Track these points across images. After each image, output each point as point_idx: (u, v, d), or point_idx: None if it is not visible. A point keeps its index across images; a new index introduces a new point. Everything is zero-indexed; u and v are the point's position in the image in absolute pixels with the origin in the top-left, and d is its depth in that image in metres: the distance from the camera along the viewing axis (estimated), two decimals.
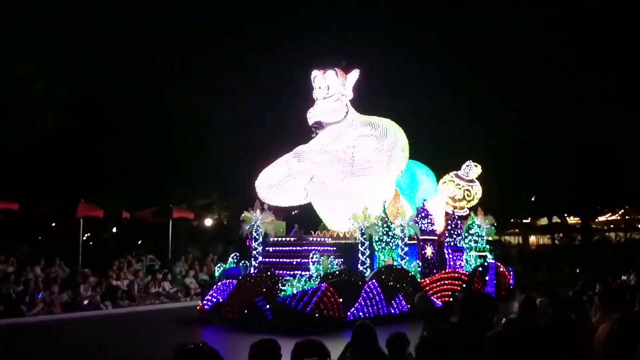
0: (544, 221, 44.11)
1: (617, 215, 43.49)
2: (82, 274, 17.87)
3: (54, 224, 26.90)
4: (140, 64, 25.54)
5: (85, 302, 16.61)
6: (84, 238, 23.83)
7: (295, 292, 12.85)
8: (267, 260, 15.19)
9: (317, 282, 13.06)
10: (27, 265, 17.69)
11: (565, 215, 42.82)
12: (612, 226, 45.64)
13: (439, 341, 5.34)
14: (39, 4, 22.85)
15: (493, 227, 18.89)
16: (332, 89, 16.41)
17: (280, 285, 13.23)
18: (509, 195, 35.04)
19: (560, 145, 34.60)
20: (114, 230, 27.96)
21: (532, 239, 47.80)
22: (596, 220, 43.57)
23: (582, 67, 33.87)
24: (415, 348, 5.20)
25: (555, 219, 43.13)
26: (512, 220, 42.64)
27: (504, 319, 5.93)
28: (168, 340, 11.64)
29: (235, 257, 15.97)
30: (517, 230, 46.16)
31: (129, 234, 27.80)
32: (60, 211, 21.49)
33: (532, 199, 39.63)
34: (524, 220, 44.21)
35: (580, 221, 42.05)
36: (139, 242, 25.64)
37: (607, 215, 43.74)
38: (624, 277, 14.61)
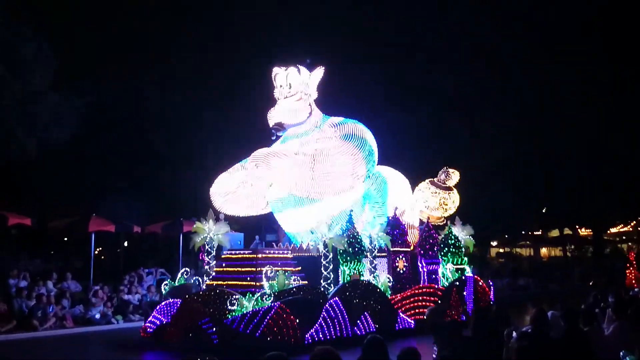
0: (555, 233, 43.89)
1: (629, 226, 43.22)
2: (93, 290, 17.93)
3: (66, 239, 27.07)
4: (151, 79, 25.78)
5: (97, 316, 16.67)
6: (96, 252, 23.94)
7: (245, 312, 11.41)
8: (219, 275, 13.58)
9: (270, 301, 11.56)
10: (40, 279, 17.78)
11: (577, 226, 42.61)
12: (624, 237, 45.36)
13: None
14: (53, 18, 23.07)
15: (471, 238, 17.28)
16: (294, 88, 15.16)
17: (229, 304, 11.67)
18: (520, 207, 34.93)
19: (571, 156, 34.46)
20: (125, 244, 28.06)
21: (544, 250, 47.55)
22: (608, 231, 43.32)
23: (592, 76, 33.63)
24: None
25: (567, 231, 42.94)
26: (523, 232, 42.50)
27: (514, 332, 5.92)
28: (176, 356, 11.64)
29: (185, 272, 14.28)
30: (528, 242, 45.98)
31: (140, 248, 27.90)
32: (72, 226, 21.63)
33: (543, 211, 39.46)
34: (535, 232, 44.02)
35: (591, 233, 41.80)
36: (150, 256, 25.70)
37: (619, 227, 43.48)
38: (636, 289, 14.46)
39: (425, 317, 6.33)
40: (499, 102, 33.65)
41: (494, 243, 45.62)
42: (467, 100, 33.38)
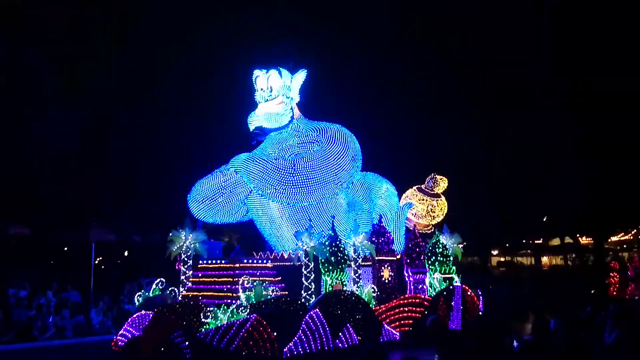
0: (556, 242, 43.83)
1: (629, 235, 43.13)
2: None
3: (66, 249, 27.07)
4: (153, 88, 25.90)
5: (97, 326, 16.60)
6: (96, 262, 23.91)
7: (219, 325, 10.88)
8: (195, 286, 13.08)
9: (246, 313, 11.04)
10: (40, 289, 17.73)
11: (578, 235, 42.55)
12: (625, 246, 45.24)
13: None
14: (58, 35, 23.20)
15: (460, 246, 16.55)
16: (275, 91, 14.82)
17: (202, 317, 11.21)
18: (521, 216, 34.88)
19: (571, 164, 34.43)
20: (126, 254, 28.02)
21: (545, 259, 47.46)
22: (609, 240, 43.24)
23: (592, 78, 33.50)
24: None
25: (568, 239, 42.87)
26: (524, 240, 42.45)
27: (515, 341, 5.91)
28: None
29: (160, 283, 13.50)
30: (529, 251, 45.91)
31: (141, 258, 27.86)
32: (72, 235, 21.63)
33: (544, 220, 39.42)
34: (536, 241, 43.97)
35: (592, 241, 41.72)
36: (151, 266, 25.68)
37: (619, 235, 43.39)
38: (636, 297, 14.42)
39: (427, 327, 6.29)
40: (497, 103, 33.60)
41: (495, 252, 45.57)
42: (464, 104, 33.36)
